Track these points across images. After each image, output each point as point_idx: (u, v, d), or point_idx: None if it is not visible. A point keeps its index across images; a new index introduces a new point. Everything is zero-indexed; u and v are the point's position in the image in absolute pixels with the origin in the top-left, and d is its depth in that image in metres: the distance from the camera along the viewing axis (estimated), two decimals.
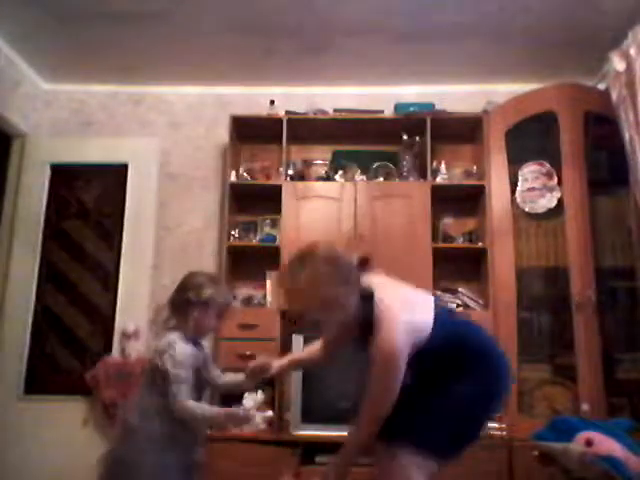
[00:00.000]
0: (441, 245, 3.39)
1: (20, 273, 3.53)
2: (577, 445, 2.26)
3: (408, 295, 1.88)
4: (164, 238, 3.71)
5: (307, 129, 3.62)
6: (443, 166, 3.52)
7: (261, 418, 2.96)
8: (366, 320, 1.78)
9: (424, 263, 3.26)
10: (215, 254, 3.66)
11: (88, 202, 3.67)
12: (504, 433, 2.92)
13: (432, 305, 1.86)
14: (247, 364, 2.16)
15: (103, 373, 3.30)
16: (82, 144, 3.76)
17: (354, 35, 3.30)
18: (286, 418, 3.11)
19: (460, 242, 3.45)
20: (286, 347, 3.19)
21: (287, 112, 3.55)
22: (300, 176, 3.53)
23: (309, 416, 3.01)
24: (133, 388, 2.71)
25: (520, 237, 3.28)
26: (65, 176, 3.69)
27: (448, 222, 3.55)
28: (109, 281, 3.55)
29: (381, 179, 3.51)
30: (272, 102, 3.57)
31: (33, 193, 3.63)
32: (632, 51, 2.85)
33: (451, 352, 1.81)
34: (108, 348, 3.42)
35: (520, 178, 3.31)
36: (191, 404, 1.98)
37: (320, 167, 3.62)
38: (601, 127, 3.21)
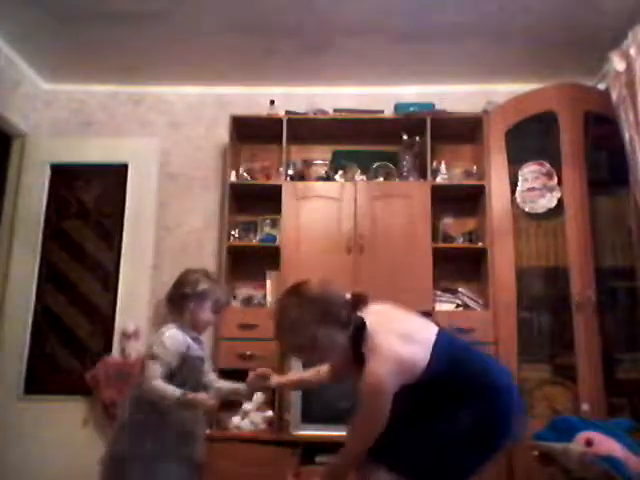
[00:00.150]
0: (441, 245, 3.39)
1: (20, 273, 3.53)
2: (577, 445, 2.26)
3: (405, 328, 1.82)
4: (164, 238, 3.71)
5: (307, 129, 3.62)
6: (443, 166, 3.52)
7: (260, 418, 2.97)
8: (359, 354, 1.77)
9: (424, 263, 3.26)
10: (215, 254, 3.66)
11: (88, 202, 3.67)
12: None
13: (432, 337, 1.81)
14: (249, 373, 2.17)
15: (103, 373, 3.30)
16: (82, 144, 3.76)
17: (354, 35, 3.30)
18: (286, 418, 3.11)
19: (460, 242, 3.45)
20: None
21: (287, 112, 3.55)
22: (300, 176, 3.53)
23: (309, 416, 3.01)
24: None
25: (520, 237, 3.28)
26: (65, 176, 3.69)
27: (448, 222, 3.55)
28: (109, 281, 3.55)
29: (381, 179, 3.51)
30: (272, 102, 3.57)
31: (33, 193, 3.63)
32: (632, 51, 2.85)
33: (450, 383, 1.76)
34: (108, 348, 3.42)
35: (520, 178, 3.31)
36: (159, 383, 1.98)
37: (320, 167, 3.62)
38: (601, 127, 3.21)
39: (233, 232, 3.48)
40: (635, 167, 2.86)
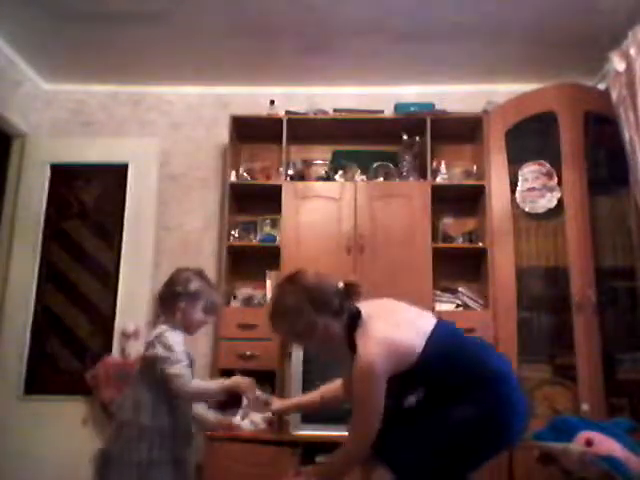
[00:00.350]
0: (441, 245, 3.39)
1: (20, 273, 3.53)
2: (577, 445, 2.26)
3: (400, 317, 1.86)
4: (164, 238, 3.71)
5: (307, 129, 3.62)
6: (443, 166, 3.52)
7: (260, 418, 2.97)
8: (352, 343, 1.80)
9: (424, 263, 3.26)
10: (215, 254, 3.66)
11: (88, 202, 3.67)
12: None
13: (428, 327, 1.82)
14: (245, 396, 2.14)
15: (103, 373, 3.30)
16: (82, 144, 3.76)
17: (354, 35, 3.30)
18: (286, 418, 3.11)
19: (460, 242, 3.45)
20: (286, 347, 3.19)
21: (287, 112, 3.55)
22: (300, 176, 3.53)
23: (309, 416, 3.00)
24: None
25: (520, 237, 3.28)
26: (65, 176, 3.69)
27: (448, 222, 3.55)
28: (109, 281, 3.55)
29: (381, 179, 3.51)
30: (272, 102, 3.57)
31: (33, 193, 3.63)
32: (632, 51, 2.85)
33: (448, 374, 1.77)
34: (108, 348, 3.42)
35: (520, 178, 3.31)
36: (196, 383, 2.02)
37: (320, 167, 3.62)
38: (601, 127, 3.22)
39: (233, 232, 3.48)
40: (635, 167, 2.86)
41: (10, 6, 3.09)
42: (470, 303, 3.36)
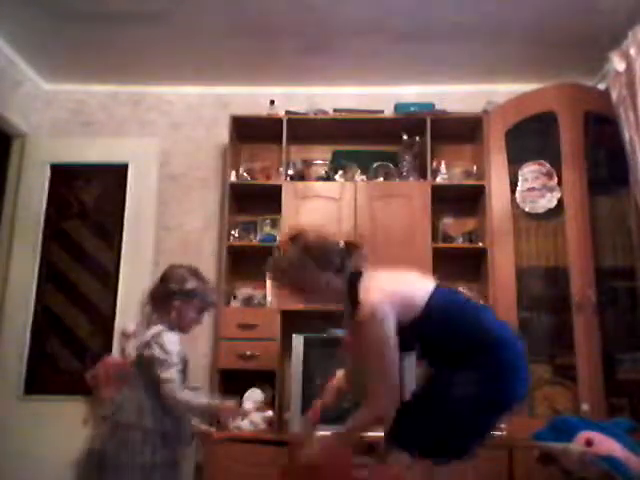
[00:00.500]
0: (441, 245, 3.39)
1: (20, 273, 3.53)
2: (577, 445, 2.26)
3: (400, 275, 1.91)
4: (164, 238, 3.71)
5: (307, 129, 3.62)
6: (443, 166, 3.52)
7: (260, 418, 2.96)
8: (353, 300, 1.84)
9: (424, 263, 3.25)
10: (215, 254, 3.66)
11: (88, 202, 3.67)
12: (504, 433, 2.92)
13: (430, 286, 1.88)
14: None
15: (103, 373, 3.30)
16: (82, 144, 3.75)
17: (354, 35, 3.30)
18: (286, 418, 3.11)
19: (460, 242, 3.45)
20: (286, 347, 3.20)
21: (287, 112, 3.55)
22: (300, 176, 3.53)
23: None
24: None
25: (520, 237, 3.28)
26: (65, 176, 3.69)
27: (448, 222, 3.55)
28: (109, 281, 3.55)
29: (381, 179, 3.51)
30: (272, 102, 3.57)
31: (33, 193, 3.63)
32: (632, 51, 2.85)
33: (450, 334, 1.79)
34: (108, 348, 3.41)
35: (520, 178, 3.31)
36: (185, 395, 1.97)
37: (320, 167, 3.62)
38: (601, 127, 3.22)
39: (233, 232, 3.48)
40: (635, 167, 2.86)
41: (10, 6, 3.09)
42: None
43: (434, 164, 3.50)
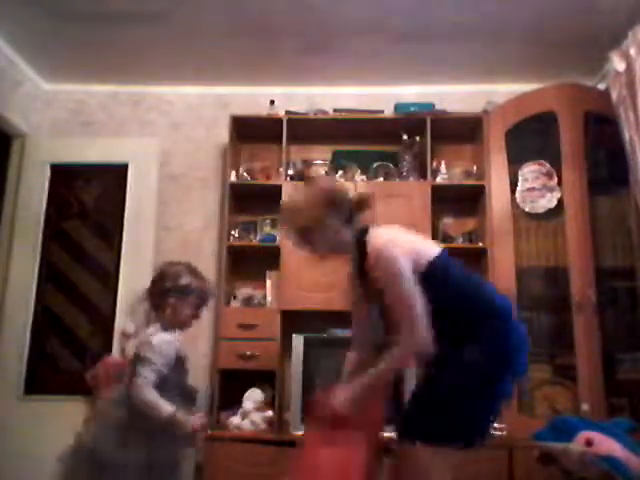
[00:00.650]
0: (441, 245, 3.37)
1: (20, 273, 3.53)
2: (577, 445, 2.26)
3: (409, 233, 1.95)
4: (164, 238, 3.71)
5: (307, 129, 3.62)
6: (443, 166, 3.52)
7: (260, 418, 2.95)
8: (362, 250, 1.86)
9: None
10: (215, 254, 3.66)
11: (88, 202, 3.67)
12: (504, 433, 2.92)
13: (436, 248, 1.91)
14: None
15: (103, 373, 3.30)
16: (82, 144, 3.76)
17: (354, 35, 3.30)
18: (286, 418, 3.11)
19: (460, 242, 3.45)
20: (286, 347, 3.19)
21: (287, 112, 3.55)
22: (300, 176, 3.53)
23: None
24: None
25: (520, 237, 3.28)
26: (65, 176, 3.69)
27: (448, 222, 3.55)
28: (109, 281, 3.55)
29: (381, 179, 3.51)
30: (272, 102, 3.57)
31: (33, 193, 3.63)
32: (632, 51, 2.85)
33: (454, 297, 1.79)
34: (108, 348, 3.41)
35: (520, 178, 3.31)
36: (152, 397, 1.93)
37: (320, 167, 3.62)
38: (601, 127, 3.22)
39: (233, 232, 3.48)
40: (635, 167, 2.86)
41: (10, 6, 3.09)
42: None
43: (434, 164, 3.50)
